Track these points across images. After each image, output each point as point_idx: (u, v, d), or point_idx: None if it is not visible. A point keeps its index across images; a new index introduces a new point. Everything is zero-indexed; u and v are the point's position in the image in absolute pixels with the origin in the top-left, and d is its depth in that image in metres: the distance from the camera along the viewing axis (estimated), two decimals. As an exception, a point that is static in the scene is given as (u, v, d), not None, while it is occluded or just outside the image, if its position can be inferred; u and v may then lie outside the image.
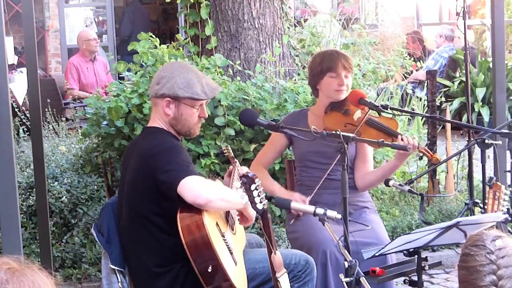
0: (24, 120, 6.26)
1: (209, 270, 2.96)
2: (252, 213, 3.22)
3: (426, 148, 3.84)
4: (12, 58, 9.11)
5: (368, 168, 3.93)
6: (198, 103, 3.27)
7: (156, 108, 3.29)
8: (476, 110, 8.93)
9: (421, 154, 3.78)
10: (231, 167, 3.36)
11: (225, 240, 3.10)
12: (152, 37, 5.52)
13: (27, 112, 6.11)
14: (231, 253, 3.11)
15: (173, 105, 3.23)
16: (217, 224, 3.11)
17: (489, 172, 4.71)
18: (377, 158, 5.29)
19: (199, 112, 3.28)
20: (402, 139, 3.68)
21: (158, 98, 3.25)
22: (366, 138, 3.66)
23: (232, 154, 3.31)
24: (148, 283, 3.16)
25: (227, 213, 3.28)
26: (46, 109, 6.36)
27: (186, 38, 5.89)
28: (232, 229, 3.28)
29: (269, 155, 4.06)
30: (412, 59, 7.90)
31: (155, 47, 5.49)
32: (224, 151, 3.38)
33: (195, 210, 3.02)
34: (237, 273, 3.08)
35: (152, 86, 3.31)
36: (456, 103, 9.09)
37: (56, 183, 5.18)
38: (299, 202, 3.61)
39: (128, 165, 3.26)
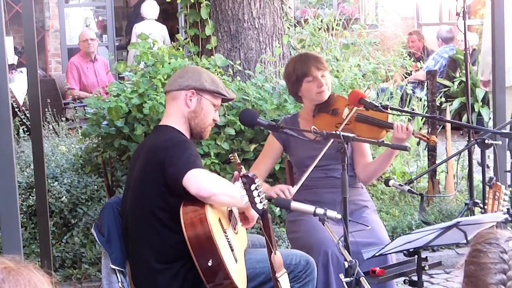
0: (24, 120, 6.26)
1: (210, 264, 2.96)
2: (254, 214, 3.22)
3: (421, 132, 3.81)
4: (12, 58, 9.10)
5: (367, 160, 3.95)
6: (217, 102, 3.33)
7: (175, 101, 3.28)
8: (476, 110, 8.92)
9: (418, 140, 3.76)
10: (236, 172, 3.37)
11: (227, 236, 3.10)
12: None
13: (27, 112, 6.11)
14: (232, 250, 3.11)
15: (195, 99, 3.26)
16: (219, 220, 3.12)
17: (489, 172, 4.70)
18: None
19: (214, 114, 3.33)
20: (397, 127, 3.68)
21: (181, 90, 3.26)
22: (358, 134, 3.69)
23: (239, 161, 3.32)
24: (148, 279, 3.16)
25: (230, 213, 3.28)
26: (46, 109, 6.36)
27: (186, 38, 5.89)
28: (234, 229, 3.28)
29: (264, 163, 4.01)
30: (412, 59, 7.90)
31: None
32: (231, 158, 3.39)
33: (199, 204, 3.02)
34: (237, 271, 3.08)
35: (174, 80, 3.32)
36: (456, 103, 9.09)
37: (56, 183, 5.18)
38: (300, 202, 3.61)
39: (136, 162, 3.26)
